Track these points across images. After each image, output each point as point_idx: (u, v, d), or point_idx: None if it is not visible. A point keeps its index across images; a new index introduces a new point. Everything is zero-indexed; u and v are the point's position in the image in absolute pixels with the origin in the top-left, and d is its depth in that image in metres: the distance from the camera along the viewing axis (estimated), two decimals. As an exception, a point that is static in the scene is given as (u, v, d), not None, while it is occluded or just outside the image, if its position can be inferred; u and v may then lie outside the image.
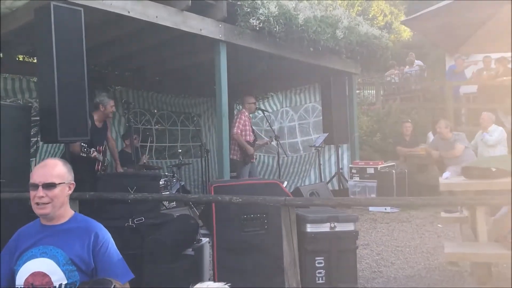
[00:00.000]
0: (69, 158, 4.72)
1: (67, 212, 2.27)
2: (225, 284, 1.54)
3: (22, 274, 2.10)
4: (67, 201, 2.25)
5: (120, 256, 2.28)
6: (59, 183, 2.17)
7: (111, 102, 5.88)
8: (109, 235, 2.29)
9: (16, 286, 2.12)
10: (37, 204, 2.13)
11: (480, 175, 3.54)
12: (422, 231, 6.19)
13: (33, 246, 2.15)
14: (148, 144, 9.47)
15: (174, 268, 3.62)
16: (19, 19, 5.29)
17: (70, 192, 2.25)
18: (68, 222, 2.24)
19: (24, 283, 2.08)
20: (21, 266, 2.12)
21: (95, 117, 5.73)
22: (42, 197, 2.12)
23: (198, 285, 1.47)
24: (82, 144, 5.10)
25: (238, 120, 7.27)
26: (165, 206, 6.54)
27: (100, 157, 5.62)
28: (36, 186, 2.13)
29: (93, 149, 5.35)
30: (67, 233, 2.18)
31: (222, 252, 3.68)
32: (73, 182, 2.27)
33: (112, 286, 1.72)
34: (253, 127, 7.82)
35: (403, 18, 20.14)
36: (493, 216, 4.12)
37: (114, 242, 2.29)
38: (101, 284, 1.74)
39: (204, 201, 3.77)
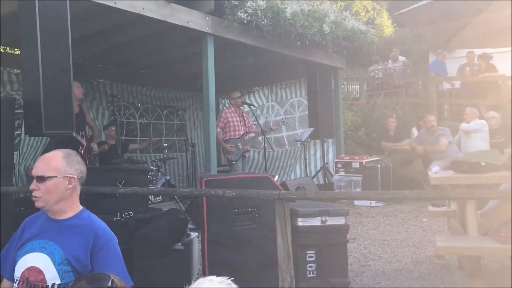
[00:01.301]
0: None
1: (72, 208, 2.15)
2: (228, 278, 1.51)
3: (20, 266, 2.04)
4: (69, 195, 2.11)
5: (122, 262, 2.14)
6: (50, 176, 2.05)
7: (76, 84, 5.71)
8: (113, 237, 2.15)
9: (14, 276, 2.06)
10: (34, 196, 2.07)
11: (470, 169, 3.57)
12: (407, 225, 6.26)
13: (34, 238, 2.08)
14: (138, 138, 9.41)
15: (164, 263, 3.59)
16: (1, 9, 5.15)
17: (70, 186, 2.10)
18: (72, 219, 2.12)
19: (20, 275, 2.02)
20: (21, 257, 2.05)
21: None
22: (35, 190, 2.05)
23: (200, 279, 1.44)
24: None
25: (218, 118, 7.27)
26: (151, 200, 6.47)
27: (83, 141, 5.58)
28: (32, 178, 2.06)
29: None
30: (68, 230, 2.07)
31: (213, 247, 3.66)
32: (74, 175, 2.11)
33: (110, 281, 1.65)
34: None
35: (385, 14, 20.26)
36: (480, 210, 4.17)
37: (117, 247, 2.15)
38: (98, 279, 1.68)
39: (196, 195, 3.73)
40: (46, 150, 5.79)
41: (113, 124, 7.00)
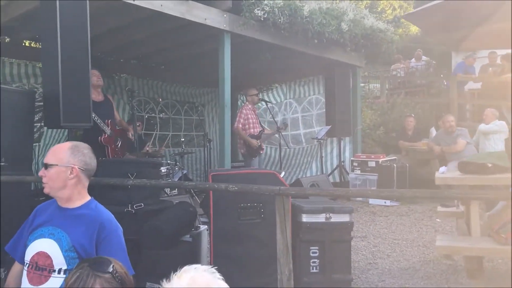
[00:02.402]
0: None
1: (79, 197, 2.23)
2: (212, 267, 1.56)
3: (30, 251, 2.15)
4: (73, 185, 2.19)
5: (124, 252, 2.20)
6: (52, 164, 2.17)
7: (94, 71, 5.67)
8: (117, 228, 2.22)
9: (24, 260, 2.17)
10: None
11: (476, 170, 3.57)
12: (420, 225, 6.24)
13: (44, 224, 2.18)
14: (156, 132, 9.59)
15: (171, 254, 3.69)
16: (25, 5, 5.34)
17: (72, 175, 2.18)
18: (80, 208, 2.21)
19: (30, 260, 2.13)
20: (31, 242, 2.16)
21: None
22: (43, 176, 2.18)
23: (185, 267, 1.51)
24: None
25: (239, 114, 7.32)
26: (166, 193, 6.61)
27: (107, 130, 5.71)
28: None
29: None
30: (76, 219, 2.17)
31: (218, 240, 3.75)
32: (76, 166, 2.19)
33: (111, 266, 1.74)
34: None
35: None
36: (488, 211, 4.16)
37: (121, 237, 2.22)
38: (100, 263, 1.76)
39: (200, 188, 3.83)
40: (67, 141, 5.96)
41: (138, 121, 7.20)
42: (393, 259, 4.81)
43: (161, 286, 1.40)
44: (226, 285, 1.41)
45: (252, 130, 7.43)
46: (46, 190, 2.21)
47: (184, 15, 5.79)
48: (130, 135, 6.19)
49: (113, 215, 2.28)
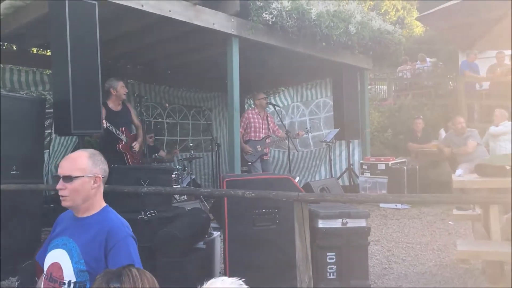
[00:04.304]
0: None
1: (95, 206, 2.18)
2: (239, 279, 1.53)
3: (47, 261, 2.11)
4: (94, 194, 2.15)
5: (132, 260, 2.05)
6: (77, 176, 2.09)
7: (121, 83, 5.95)
8: (125, 236, 2.12)
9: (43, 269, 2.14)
10: (60, 196, 2.12)
11: (494, 173, 3.52)
12: (433, 228, 6.17)
13: (60, 235, 2.15)
14: (166, 138, 9.58)
15: (185, 261, 3.66)
16: (33, 12, 5.33)
17: (96, 185, 2.14)
18: (92, 217, 2.15)
19: (46, 270, 2.10)
20: (48, 252, 2.13)
21: (110, 104, 5.85)
22: (62, 189, 2.09)
23: (212, 280, 1.47)
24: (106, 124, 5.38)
25: (241, 118, 7.30)
26: (176, 199, 6.58)
27: (123, 137, 5.73)
28: (58, 178, 2.10)
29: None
30: (86, 228, 2.11)
31: (233, 246, 3.70)
32: (100, 175, 2.16)
33: (126, 276, 1.69)
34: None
35: (415, 13, 19.97)
36: (506, 214, 4.09)
37: (130, 245, 2.11)
38: (116, 276, 1.72)
39: (216, 195, 3.79)
40: (76, 148, 5.96)
41: (152, 132, 7.22)
42: (409, 264, 4.75)
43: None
44: (253, 296, 1.37)
45: (252, 134, 7.40)
46: (67, 204, 2.12)
47: (192, 20, 5.77)
48: (137, 145, 6.08)
49: (125, 221, 2.21)
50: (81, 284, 2.01)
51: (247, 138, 7.41)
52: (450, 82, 13.25)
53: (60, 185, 2.10)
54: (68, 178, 2.09)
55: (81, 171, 2.11)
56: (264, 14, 6.19)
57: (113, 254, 2.04)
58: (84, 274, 2.00)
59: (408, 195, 5.98)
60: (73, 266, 2.03)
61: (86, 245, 2.06)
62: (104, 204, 2.23)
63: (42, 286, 2.13)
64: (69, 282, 2.01)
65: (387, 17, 21.38)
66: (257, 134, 7.43)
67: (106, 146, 5.69)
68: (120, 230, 2.12)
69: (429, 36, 16.76)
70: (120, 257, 2.03)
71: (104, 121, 5.22)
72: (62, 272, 2.03)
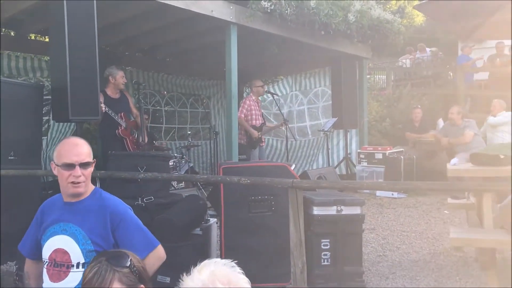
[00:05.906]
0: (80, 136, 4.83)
1: (90, 188, 2.26)
2: (232, 261, 1.55)
3: (47, 250, 2.16)
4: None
5: (141, 229, 2.26)
6: (91, 162, 2.19)
7: (121, 73, 5.99)
8: (126, 210, 2.26)
9: (42, 259, 2.19)
10: (73, 183, 2.13)
11: (488, 161, 3.55)
12: (428, 217, 6.21)
13: (55, 222, 2.19)
14: (164, 125, 9.59)
15: (182, 247, 3.69)
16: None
17: (92, 169, 2.25)
18: (86, 200, 2.21)
19: (48, 258, 2.15)
20: (46, 241, 2.17)
21: (108, 91, 5.88)
22: (80, 176, 2.13)
23: (205, 261, 1.50)
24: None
25: (242, 104, 7.34)
26: (173, 186, 6.61)
27: (122, 122, 5.75)
28: (72, 166, 2.11)
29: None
30: (85, 211, 2.17)
31: (229, 232, 3.74)
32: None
33: (128, 260, 1.73)
34: (262, 110, 7.81)
35: (416, 2, 19.86)
36: (499, 203, 4.13)
37: (133, 216, 2.25)
38: (117, 257, 1.76)
39: (212, 181, 3.82)
40: (75, 135, 5.98)
41: (145, 114, 7.22)
42: (403, 251, 4.80)
43: (181, 280, 1.39)
44: (246, 278, 1.41)
45: (254, 122, 7.42)
46: (82, 189, 2.18)
47: (189, 6, 5.76)
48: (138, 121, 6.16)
49: (119, 199, 2.31)
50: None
51: (250, 125, 7.40)
52: (450, 73, 13.22)
53: (78, 171, 2.13)
54: (86, 165, 2.16)
55: (91, 156, 2.22)
56: (262, 1, 6.18)
57: (122, 229, 2.17)
58: (92, 254, 2.07)
59: (402, 182, 6.03)
60: (80, 248, 2.11)
61: (90, 226, 2.14)
62: (93, 186, 2.31)
63: (44, 273, 2.17)
64: (78, 263, 2.10)
65: (388, 6, 21.26)
66: (257, 122, 7.45)
67: (106, 131, 5.73)
68: (119, 207, 2.24)
69: (430, 25, 16.67)
70: (130, 230, 2.19)
71: (102, 105, 5.24)
72: (69, 256, 2.11)
